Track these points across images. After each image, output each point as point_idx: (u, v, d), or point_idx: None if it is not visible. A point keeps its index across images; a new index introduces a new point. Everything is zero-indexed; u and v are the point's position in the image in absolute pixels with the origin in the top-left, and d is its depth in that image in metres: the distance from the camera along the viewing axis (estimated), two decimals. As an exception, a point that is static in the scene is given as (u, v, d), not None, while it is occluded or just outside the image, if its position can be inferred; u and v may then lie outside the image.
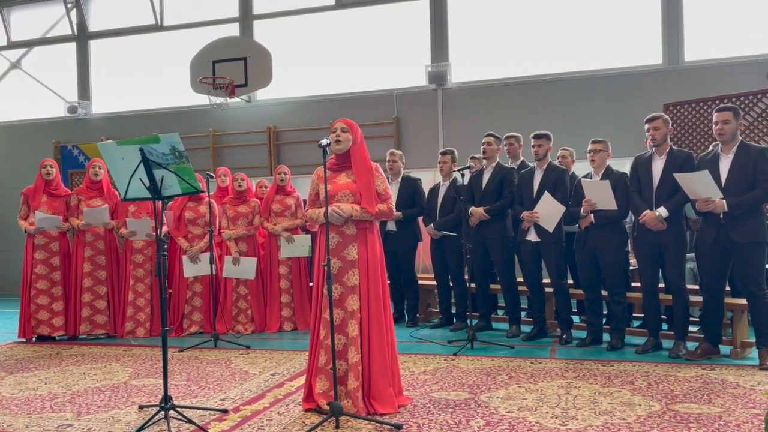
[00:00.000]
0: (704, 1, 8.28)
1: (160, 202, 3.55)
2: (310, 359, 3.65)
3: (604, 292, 5.23)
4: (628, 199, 4.93)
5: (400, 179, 6.45)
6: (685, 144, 7.32)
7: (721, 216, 4.39)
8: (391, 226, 6.31)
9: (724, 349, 4.76)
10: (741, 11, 8.12)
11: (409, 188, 6.39)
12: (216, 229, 6.20)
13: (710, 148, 5.08)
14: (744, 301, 4.60)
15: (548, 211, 5.24)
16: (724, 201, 4.33)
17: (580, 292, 5.42)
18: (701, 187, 4.38)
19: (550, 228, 5.26)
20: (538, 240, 5.37)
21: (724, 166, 4.45)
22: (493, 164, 5.81)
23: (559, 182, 5.34)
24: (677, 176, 4.52)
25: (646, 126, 4.82)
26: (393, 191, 6.34)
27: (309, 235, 6.37)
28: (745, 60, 8.01)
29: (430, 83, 9.09)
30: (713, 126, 4.51)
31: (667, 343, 4.94)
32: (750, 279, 4.39)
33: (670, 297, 4.89)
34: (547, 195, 5.24)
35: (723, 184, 4.40)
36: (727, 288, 5.10)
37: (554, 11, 8.82)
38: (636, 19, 8.49)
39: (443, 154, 6.26)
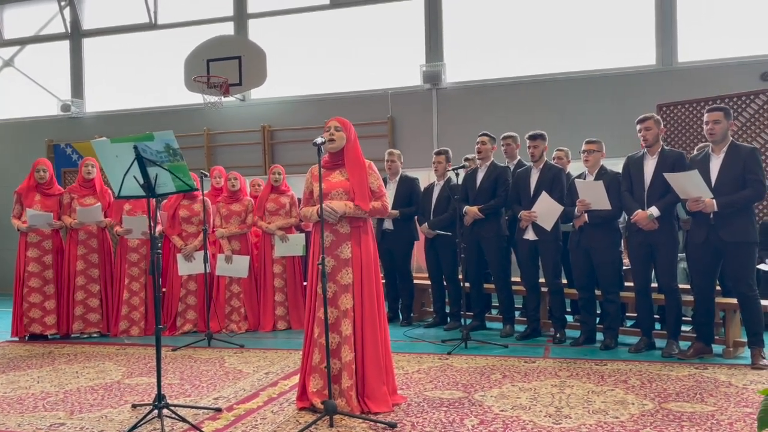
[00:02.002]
0: (698, 2, 8.33)
1: (154, 200, 3.54)
2: (304, 358, 3.65)
3: (597, 292, 5.25)
4: (621, 199, 4.94)
5: (398, 179, 6.46)
6: (679, 144, 7.35)
7: (711, 216, 4.41)
8: (388, 225, 6.32)
9: (717, 348, 4.78)
10: (734, 13, 8.17)
11: (407, 188, 6.41)
12: (210, 228, 6.19)
13: (694, 151, 5.10)
14: (735, 301, 4.62)
15: (546, 210, 5.25)
16: (714, 200, 4.35)
17: (574, 291, 5.43)
18: (691, 187, 4.40)
19: (548, 227, 5.28)
20: (536, 239, 5.39)
21: (715, 166, 4.47)
22: (488, 163, 5.82)
23: (556, 182, 5.35)
24: (667, 176, 4.54)
25: (638, 126, 4.84)
26: (391, 190, 6.37)
27: (303, 234, 6.37)
28: (738, 61, 8.06)
29: (424, 83, 9.10)
30: (704, 126, 4.53)
31: (660, 343, 4.96)
32: (740, 279, 4.41)
33: (663, 297, 4.91)
34: (544, 194, 5.25)
35: (713, 184, 4.42)
36: (719, 288, 5.13)
37: (549, 12, 8.84)
38: (630, 20, 8.52)
39: (437, 153, 6.27)
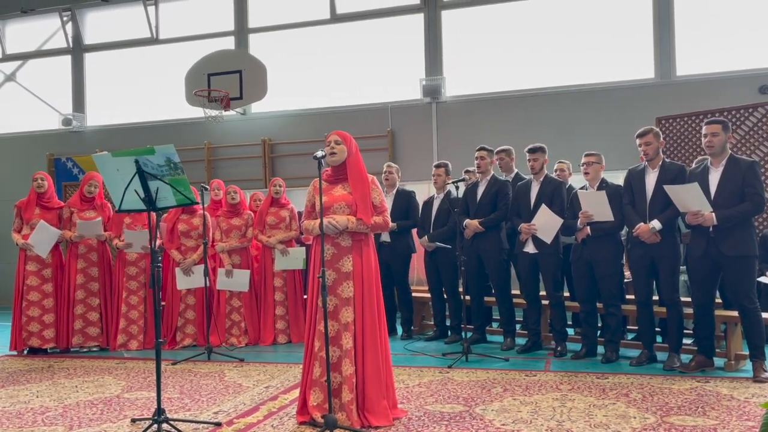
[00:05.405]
0: (696, 16, 8.39)
1: (155, 213, 3.55)
2: (304, 372, 3.64)
3: (599, 305, 5.24)
4: (623, 212, 4.95)
5: (395, 192, 6.47)
6: (678, 157, 7.38)
7: (711, 229, 4.41)
8: (386, 238, 6.32)
9: (718, 361, 4.76)
10: (732, 26, 8.22)
11: (404, 201, 6.42)
12: (209, 242, 6.18)
13: (693, 164, 5.12)
14: (736, 314, 4.61)
15: (546, 223, 5.26)
16: (713, 214, 4.35)
17: (575, 304, 5.43)
18: (691, 200, 4.41)
19: (548, 240, 5.28)
20: (536, 251, 5.39)
21: (714, 179, 4.48)
22: (488, 177, 5.84)
23: (556, 194, 5.36)
24: (667, 188, 4.55)
25: (638, 141, 4.85)
26: (387, 203, 6.36)
27: (303, 248, 6.37)
28: (737, 74, 8.10)
29: (424, 96, 9.14)
30: (702, 138, 4.54)
31: (661, 356, 4.94)
32: (740, 292, 4.40)
33: (664, 309, 4.90)
34: (544, 207, 5.26)
35: (712, 198, 4.42)
36: (719, 300, 5.13)
37: (547, 26, 8.90)
38: (628, 33, 8.58)
39: (437, 167, 6.29)
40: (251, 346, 6.22)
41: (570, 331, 5.82)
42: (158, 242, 6.16)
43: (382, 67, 9.52)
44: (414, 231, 6.48)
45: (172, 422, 3.45)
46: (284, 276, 6.35)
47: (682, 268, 5.20)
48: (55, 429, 3.67)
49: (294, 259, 6.29)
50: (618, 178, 5.23)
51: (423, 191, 7.40)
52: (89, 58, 11.03)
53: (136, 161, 3.36)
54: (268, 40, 10.07)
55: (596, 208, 4.97)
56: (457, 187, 5.48)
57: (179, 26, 10.49)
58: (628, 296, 5.49)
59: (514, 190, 5.69)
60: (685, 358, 4.83)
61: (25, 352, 6.08)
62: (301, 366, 3.74)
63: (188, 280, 6.12)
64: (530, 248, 5.43)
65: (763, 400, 3.87)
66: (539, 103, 8.78)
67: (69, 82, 11.03)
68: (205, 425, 3.63)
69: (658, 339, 5.33)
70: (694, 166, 4.92)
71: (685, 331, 5.06)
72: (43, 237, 5.96)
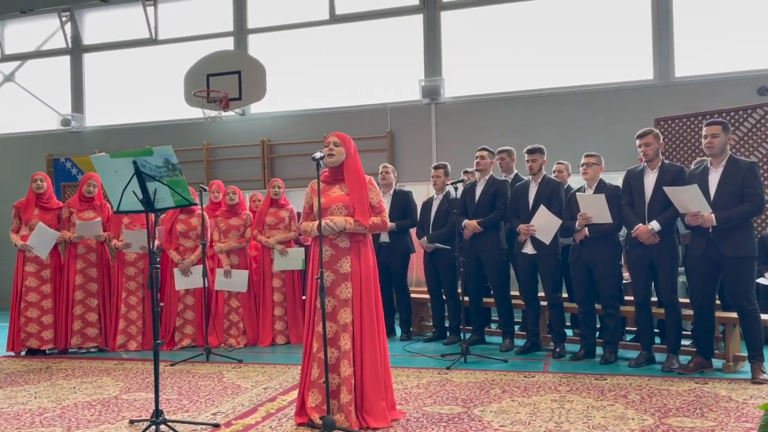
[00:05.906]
0: (695, 17, 8.39)
1: (153, 214, 3.55)
2: (303, 373, 3.64)
3: (597, 306, 5.24)
4: (621, 213, 4.95)
5: (392, 192, 6.47)
6: (676, 159, 7.38)
7: (710, 230, 4.41)
8: (384, 238, 6.32)
9: (717, 362, 4.76)
10: (731, 27, 8.23)
11: (401, 201, 6.42)
12: (208, 242, 6.18)
13: (692, 165, 5.12)
14: (735, 315, 4.61)
15: (544, 223, 5.26)
16: (713, 215, 4.35)
17: (574, 305, 5.43)
18: (690, 201, 4.41)
19: (547, 240, 5.28)
20: (535, 252, 5.39)
21: (713, 180, 4.48)
22: (486, 177, 5.84)
23: (554, 195, 5.37)
24: (667, 190, 4.55)
25: (637, 142, 4.85)
26: (385, 204, 6.36)
27: (302, 248, 6.37)
28: (735, 75, 8.10)
29: (423, 97, 9.14)
30: (702, 140, 4.54)
31: (659, 357, 4.94)
32: (740, 293, 4.40)
33: (663, 311, 4.90)
34: (543, 208, 5.26)
35: (712, 198, 4.42)
36: (718, 302, 5.12)
37: (546, 27, 8.90)
38: (627, 34, 8.59)
39: (436, 168, 6.29)
40: (250, 347, 6.21)
41: (569, 332, 5.82)
42: (156, 243, 6.15)
43: (381, 68, 9.52)
44: (413, 232, 6.48)
45: (170, 423, 3.45)
46: (283, 276, 6.34)
47: (681, 269, 5.21)
48: (54, 430, 3.66)
49: (293, 259, 6.29)
50: (617, 179, 5.23)
51: (422, 192, 7.40)
52: (88, 58, 11.02)
53: (134, 162, 3.36)
54: (267, 41, 10.06)
55: (595, 210, 4.97)
56: (456, 188, 5.48)
57: (178, 27, 10.48)
58: (626, 297, 5.49)
59: (512, 190, 5.69)
60: (683, 359, 4.83)
61: (23, 353, 6.07)
62: (299, 367, 3.74)
63: (187, 281, 6.11)
64: (529, 249, 5.43)
65: (761, 401, 3.87)
66: (538, 104, 8.78)
67: (68, 82, 11.03)
68: (204, 426, 3.63)
69: (657, 340, 5.33)
70: (693, 167, 4.92)
71: (683, 333, 5.06)
72: (41, 239, 5.95)
